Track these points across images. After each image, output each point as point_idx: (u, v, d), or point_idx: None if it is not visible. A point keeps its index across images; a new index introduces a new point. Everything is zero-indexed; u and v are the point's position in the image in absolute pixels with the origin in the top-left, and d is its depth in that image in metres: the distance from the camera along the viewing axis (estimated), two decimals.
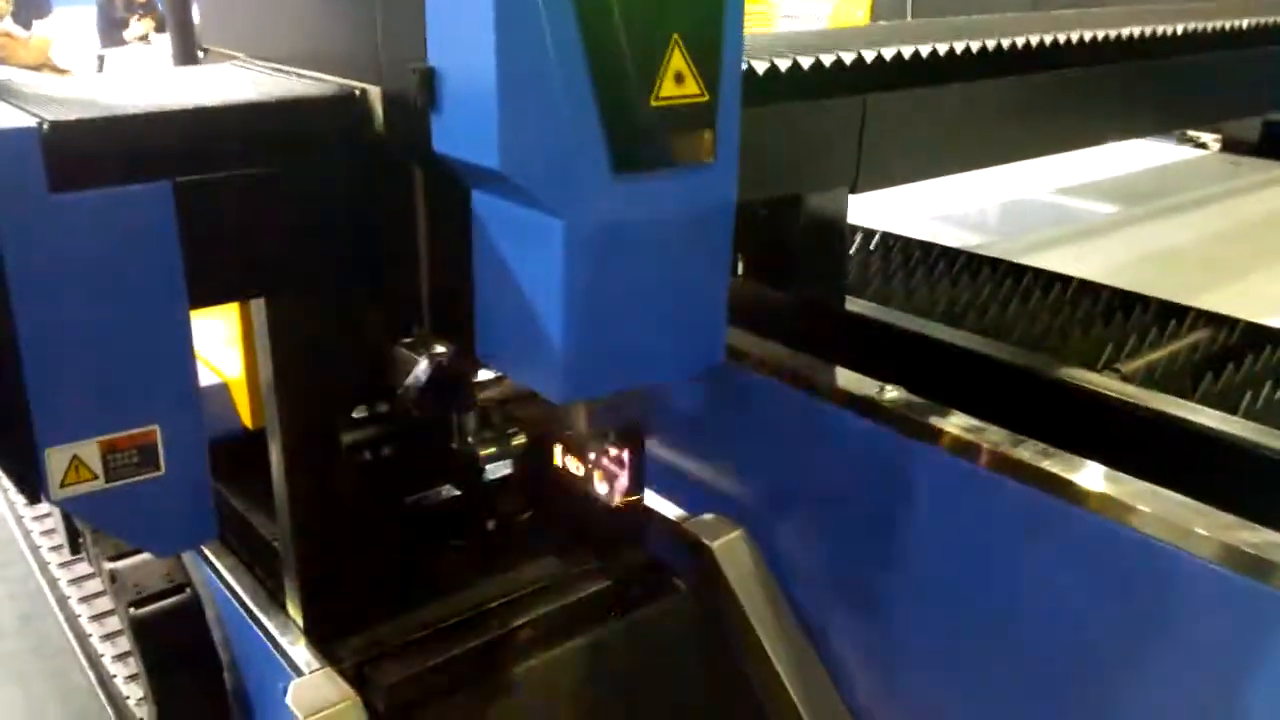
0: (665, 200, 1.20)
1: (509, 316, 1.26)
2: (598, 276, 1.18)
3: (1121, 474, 1.39)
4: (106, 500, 1.26)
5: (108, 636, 2.69)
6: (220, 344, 1.84)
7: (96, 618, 2.77)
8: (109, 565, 1.95)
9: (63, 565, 3.01)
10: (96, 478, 1.25)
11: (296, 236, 1.33)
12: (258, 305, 1.45)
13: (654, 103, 1.13)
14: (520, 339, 1.25)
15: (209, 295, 1.31)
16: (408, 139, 1.28)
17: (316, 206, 1.33)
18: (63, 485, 1.23)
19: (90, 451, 1.23)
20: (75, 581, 2.91)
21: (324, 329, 1.47)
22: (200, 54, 1.85)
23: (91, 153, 1.15)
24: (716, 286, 1.32)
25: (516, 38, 1.09)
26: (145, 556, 1.92)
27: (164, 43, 2.54)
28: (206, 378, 1.87)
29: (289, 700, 1.49)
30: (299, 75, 1.46)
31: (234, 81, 1.45)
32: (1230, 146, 3.42)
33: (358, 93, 1.35)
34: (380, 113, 1.33)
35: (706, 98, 1.17)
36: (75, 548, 2.50)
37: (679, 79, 1.14)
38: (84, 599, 2.86)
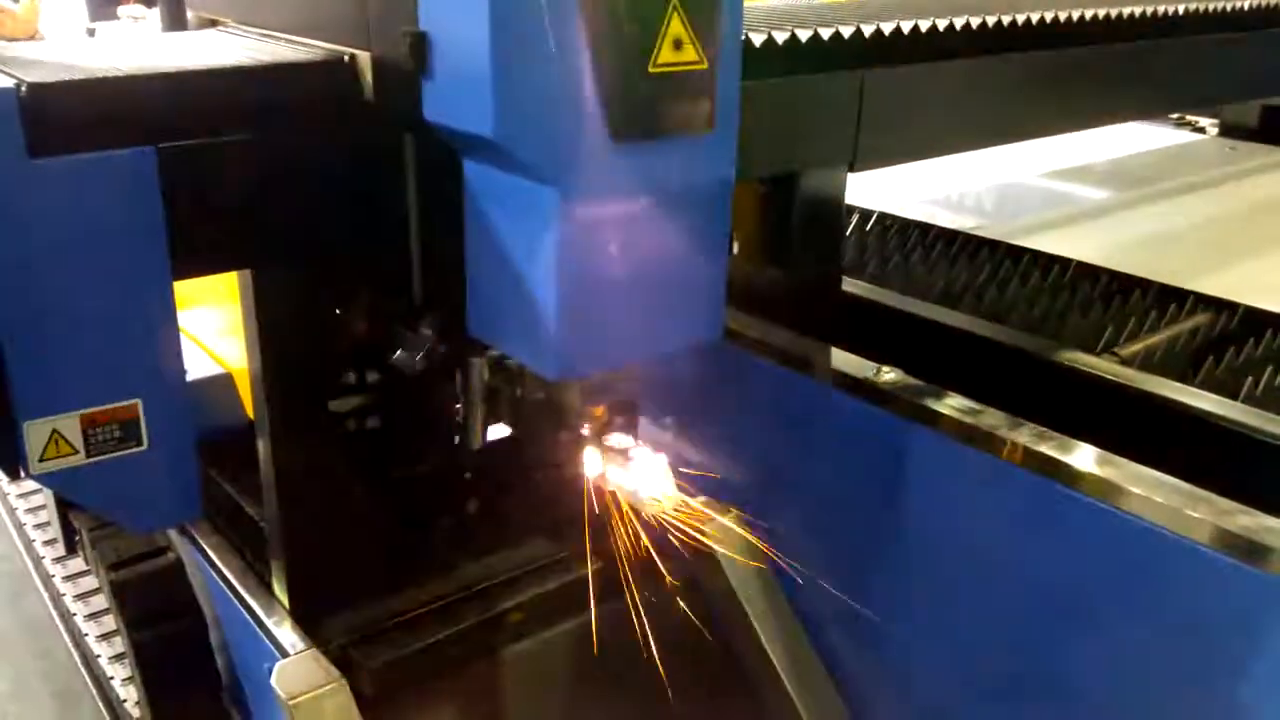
0: (663, 171, 1.17)
1: (502, 290, 1.23)
2: (593, 248, 1.15)
3: (1120, 458, 1.39)
4: (87, 475, 1.23)
5: (92, 616, 2.68)
6: (223, 333, 1.80)
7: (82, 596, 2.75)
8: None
9: (48, 543, 2.99)
10: (77, 452, 1.22)
11: (282, 206, 1.30)
12: (243, 276, 1.42)
13: (652, 69, 1.10)
14: (513, 313, 1.22)
15: (193, 266, 1.28)
16: (398, 106, 1.25)
17: (304, 174, 1.30)
18: (42, 459, 1.20)
19: (70, 425, 1.21)
20: (60, 560, 2.88)
21: (309, 302, 1.45)
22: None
23: (71, 116, 1.12)
24: (715, 260, 1.29)
25: (511, 1, 1.06)
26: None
27: (156, 18, 2.50)
28: (210, 367, 1.84)
29: (274, 681, 1.48)
30: (286, 40, 1.43)
31: (219, 46, 1.42)
32: (1228, 131, 3.40)
33: (346, 58, 1.32)
34: (370, 79, 1.30)
35: (705, 65, 1.14)
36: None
37: (677, 45, 1.11)
38: (69, 578, 2.84)
